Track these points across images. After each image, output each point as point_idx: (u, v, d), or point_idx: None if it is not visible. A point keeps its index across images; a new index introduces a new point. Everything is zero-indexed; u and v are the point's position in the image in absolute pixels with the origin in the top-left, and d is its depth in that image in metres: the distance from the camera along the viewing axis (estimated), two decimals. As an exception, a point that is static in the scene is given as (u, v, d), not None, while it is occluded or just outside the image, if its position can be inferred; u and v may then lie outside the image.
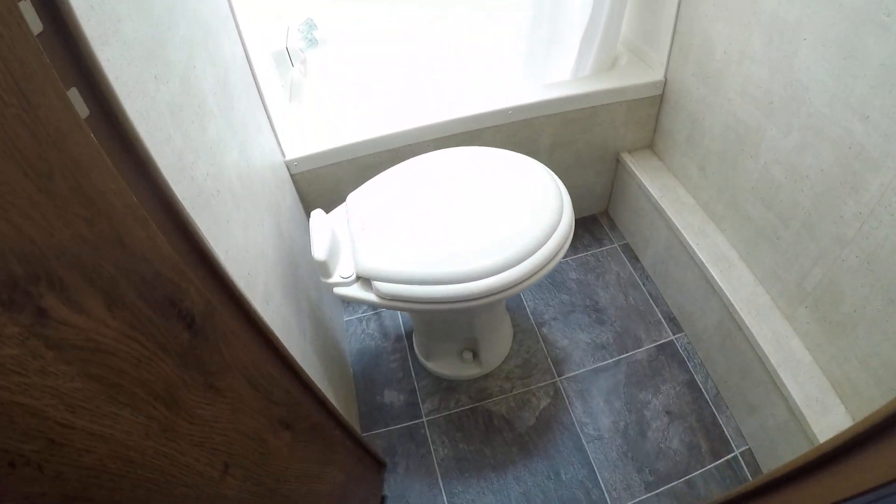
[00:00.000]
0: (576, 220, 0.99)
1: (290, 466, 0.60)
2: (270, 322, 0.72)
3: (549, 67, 1.35)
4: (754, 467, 1.08)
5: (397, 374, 1.29)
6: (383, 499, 1.09)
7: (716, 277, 1.10)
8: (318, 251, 0.88)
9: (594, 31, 1.22)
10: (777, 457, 1.02)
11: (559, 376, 1.26)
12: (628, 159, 1.41)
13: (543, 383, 1.25)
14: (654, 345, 1.30)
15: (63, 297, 0.29)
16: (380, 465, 1.08)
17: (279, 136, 1.12)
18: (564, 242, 0.92)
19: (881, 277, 0.78)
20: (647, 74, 1.28)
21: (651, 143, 1.43)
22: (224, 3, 0.90)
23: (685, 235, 1.20)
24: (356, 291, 0.91)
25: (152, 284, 0.37)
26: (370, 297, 0.90)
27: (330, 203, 1.23)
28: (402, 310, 0.93)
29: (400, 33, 1.60)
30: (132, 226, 0.36)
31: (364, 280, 0.91)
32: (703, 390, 1.21)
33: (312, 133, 1.21)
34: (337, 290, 0.91)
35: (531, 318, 1.38)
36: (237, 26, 0.94)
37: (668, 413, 1.18)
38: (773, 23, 0.89)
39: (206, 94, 0.72)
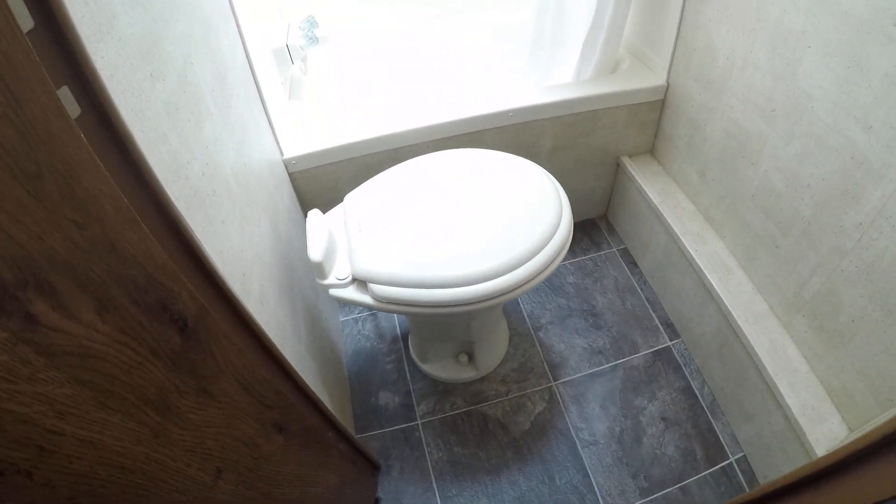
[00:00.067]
0: (574, 224, 0.98)
1: (283, 470, 0.59)
2: (265, 323, 0.71)
3: (552, 69, 1.35)
4: (749, 475, 1.08)
5: (392, 376, 1.29)
6: (377, 501, 1.08)
7: (714, 284, 1.10)
8: (314, 252, 0.88)
9: (597, 33, 1.21)
10: (772, 465, 1.02)
11: (555, 380, 1.25)
12: (628, 164, 1.40)
13: (539, 387, 1.24)
14: (651, 350, 1.30)
15: (53, 302, 0.28)
16: (374, 468, 1.07)
17: (278, 134, 1.11)
18: (563, 247, 0.92)
19: (880, 288, 0.78)
20: (649, 79, 1.28)
21: (652, 148, 1.42)
22: (224, -2, 0.89)
23: (684, 241, 1.19)
24: (352, 293, 0.90)
25: (144, 289, 0.37)
26: (366, 299, 0.89)
27: (327, 203, 1.22)
28: (397, 312, 0.92)
29: (400, 32, 1.60)
30: (124, 230, 0.35)
31: (360, 282, 0.91)
32: (700, 397, 1.21)
33: (311, 131, 1.20)
34: (332, 291, 0.91)
35: (528, 321, 1.37)
36: (237, 22, 0.93)
37: (663, 419, 1.18)
38: (778, 30, 0.89)
39: (204, 91, 0.71)
